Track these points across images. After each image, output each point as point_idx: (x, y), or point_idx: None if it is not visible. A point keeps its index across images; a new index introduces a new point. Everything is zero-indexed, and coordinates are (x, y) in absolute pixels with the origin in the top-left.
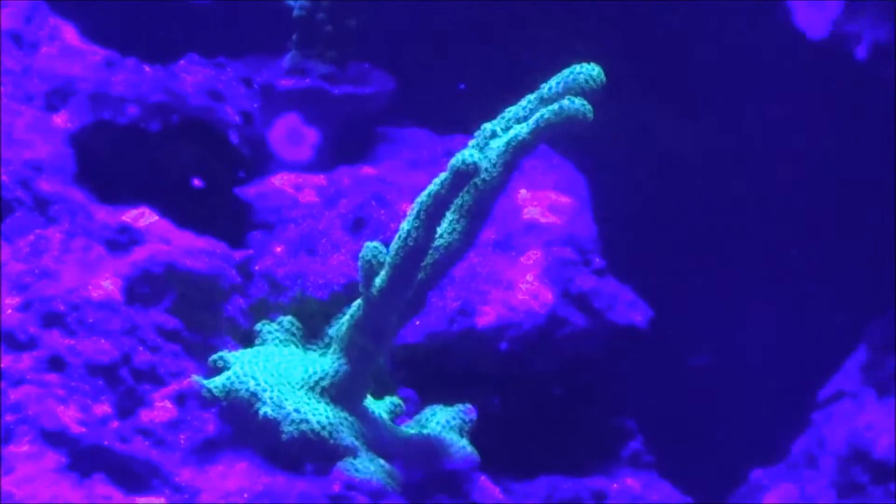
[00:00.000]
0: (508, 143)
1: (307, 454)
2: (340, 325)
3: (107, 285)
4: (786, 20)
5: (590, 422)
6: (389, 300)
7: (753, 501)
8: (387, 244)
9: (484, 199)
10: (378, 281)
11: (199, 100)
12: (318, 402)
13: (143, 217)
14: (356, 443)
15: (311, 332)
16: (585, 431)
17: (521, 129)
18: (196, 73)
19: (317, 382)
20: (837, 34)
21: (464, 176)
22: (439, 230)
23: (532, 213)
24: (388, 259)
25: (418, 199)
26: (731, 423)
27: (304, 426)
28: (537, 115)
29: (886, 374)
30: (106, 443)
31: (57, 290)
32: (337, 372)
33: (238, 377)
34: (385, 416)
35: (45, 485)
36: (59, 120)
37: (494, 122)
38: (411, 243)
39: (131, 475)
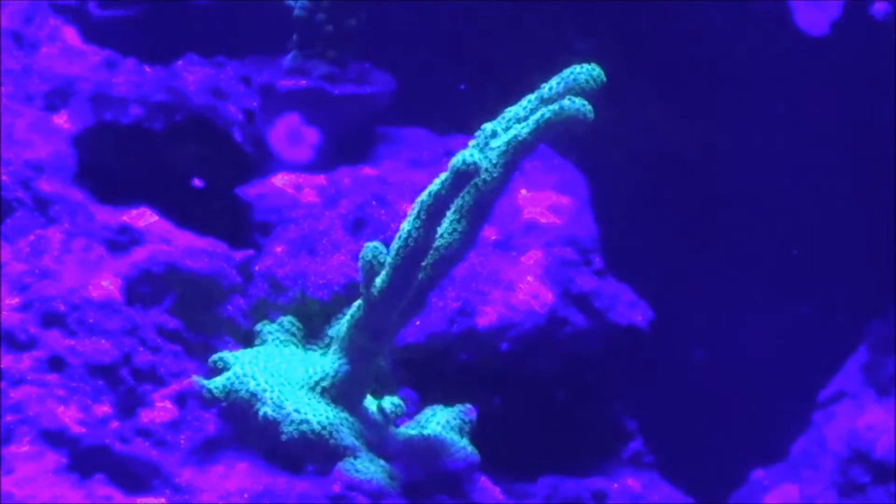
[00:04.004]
0: (509, 143)
1: (307, 454)
2: (341, 326)
3: (107, 285)
4: (786, 19)
5: (590, 422)
6: (390, 300)
7: (754, 502)
8: (387, 244)
9: (484, 199)
10: (378, 281)
11: (202, 98)
12: (319, 403)
13: (144, 217)
14: (356, 443)
15: (311, 333)
16: (586, 432)
17: (522, 129)
18: (197, 72)
19: (317, 383)
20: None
21: (464, 176)
22: (440, 230)
23: (532, 213)
24: (389, 259)
25: (419, 199)
26: (732, 424)
27: (304, 426)
28: (537, 115)
29: (886, 374)
30: (106, 443)
31: (57, 290)
32: (337, 372)
33: (238, 377)
34: (385, 416)
35: (45, 485)
36: (60, 120)
37: (495, 122)
38: (412, 243)
39: (131, 475)
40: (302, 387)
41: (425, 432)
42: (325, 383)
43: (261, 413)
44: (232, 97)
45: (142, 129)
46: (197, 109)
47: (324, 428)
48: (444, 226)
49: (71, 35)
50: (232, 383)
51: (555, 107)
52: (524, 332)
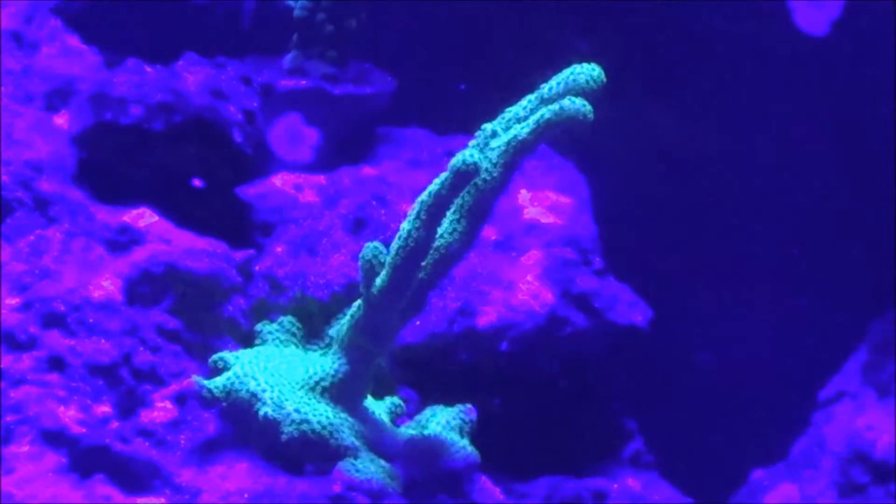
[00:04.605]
0: (509, 143)
1: (308, 454)
2: (341, 326)
3: (107, 285)
4: (787, 19)
5: (590, 422)
6: (390, 300)
7: (754, 502)
8: (387, 244)
9: (484, 199)
10: (378, 281)
11: (202, 99)
12: (319, 403)
13: (144, 217)
14: (357, 443)
15: (311, 333)
16: (586, 431)
17: (522, 130)
18: (197, 73)
19: (317, 383)
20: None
21: (464, 176)
22: (440, 230)
23: (532, 213)
24: (389, 259)
25: (419, 199)
26: (732, 423)
27: (304, 426)
28: (537, 115)
29: (886, 374)
30: (106, 443)
31: (57, 290)
32: (337, 372)
33: (238, 377)
34: (385, 416)
35: (45, 485)
36: (60, 120)
37: (495, 122)
38: (412, 243)
39: (131, 475)
40: (302, 387)
41: (426, 432)
42: (325, 383)
43: (261, 413)
44: (232, 98)
45: (142, 129)
46: (197, 110)
47: (324, 428)
48: (444, 226)
49: (71, 35)
50: (232, 383)
51: (555, 107)
52: (524, 332)
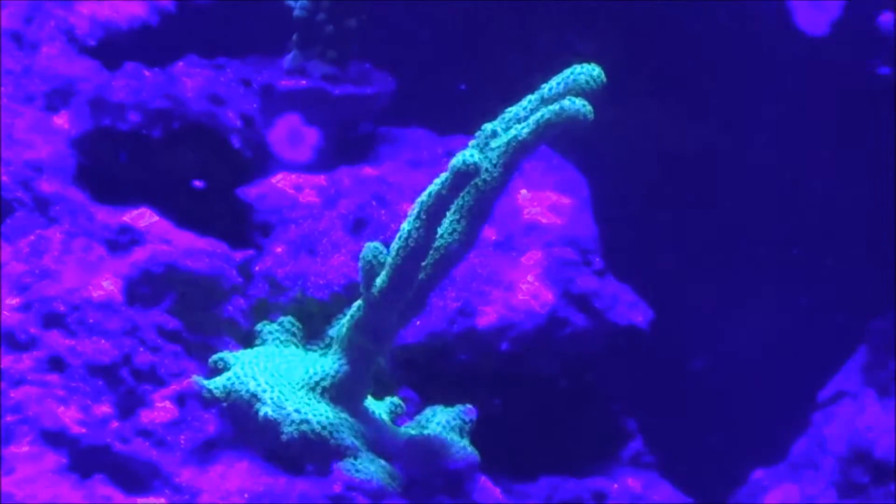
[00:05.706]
0: (509, 143)
1: (308, 454)
2: (341, 326)
3: (107, 286)
4: (786, 19)
5: (590, 422)
6: (390, 300)
7: (754, 502)
8: (387, 244)
9: (484, 199)
10: (378, 281)
11: (200, 105)
12: (319, 403)
13: (144, 217)
14: (357, 443)
15: (311, 333)
16: (586, 432)
17: (522, 130)
18: (196, 76)
19: (317, 383)
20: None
21: (464, 176)
22: (440, 230)
23: (533, 213)
24: (389, 259)
25: (419, 200)
26: (732, 424)
27: (304, 427)
28: (538, 115)
29: (887, 374)
30: (106, 443)
31: (57, 290)
32: (337, 372)
33: (238, 378)
34: (385, 416)
35: (45, 485)
36: (60, 120)
37: (495, 122)
38: (412, 244)
39: (131, 476)
40: (302, 387)
41: (426, 432)
42: (325, 383)
43: (261, 413)
44: (230, 102)
45: (140, 135)
46: (195, 117)
47: (324, 428)
48: (445, 226)
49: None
50: (232, 383)
51: (555, 107)
52: (524, 333)
